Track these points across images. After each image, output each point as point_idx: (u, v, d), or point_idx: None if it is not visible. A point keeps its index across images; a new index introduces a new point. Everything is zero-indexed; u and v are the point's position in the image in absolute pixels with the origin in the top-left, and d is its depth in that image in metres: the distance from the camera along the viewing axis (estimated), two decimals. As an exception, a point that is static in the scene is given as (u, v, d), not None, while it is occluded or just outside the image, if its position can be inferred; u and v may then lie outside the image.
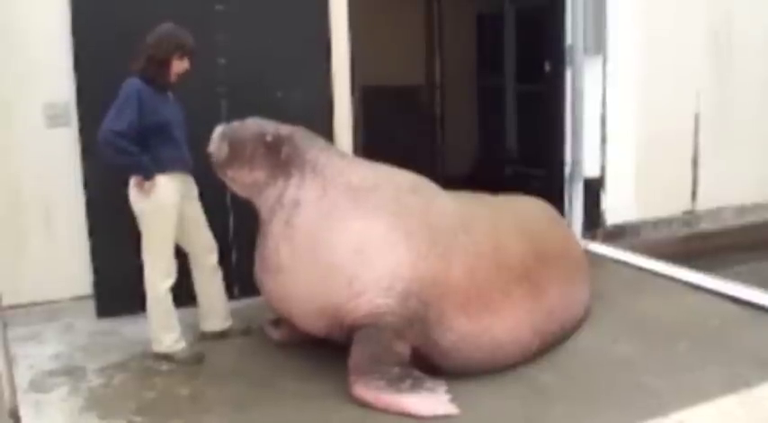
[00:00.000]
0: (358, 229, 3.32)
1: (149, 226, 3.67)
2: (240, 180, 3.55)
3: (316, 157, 3.49)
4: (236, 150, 3.48)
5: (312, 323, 3.46)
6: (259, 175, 3.49)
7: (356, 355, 3.23)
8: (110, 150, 3.51)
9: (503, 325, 3.41)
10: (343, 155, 3.78)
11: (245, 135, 3.50)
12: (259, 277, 3.63)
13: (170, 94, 3.78)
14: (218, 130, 3.55)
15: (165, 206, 3.65)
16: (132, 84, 3.58)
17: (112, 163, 3.60)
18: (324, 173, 3.45)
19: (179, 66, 3.70)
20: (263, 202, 3.54)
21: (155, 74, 3.64)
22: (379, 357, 3.20)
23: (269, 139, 3.47)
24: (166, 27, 3.68)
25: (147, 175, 3.58)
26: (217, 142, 3.50)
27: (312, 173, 3.45)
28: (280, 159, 3.46)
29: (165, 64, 3.65)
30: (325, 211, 3.36)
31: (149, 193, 3.59)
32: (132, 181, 3.64)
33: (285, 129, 3.56)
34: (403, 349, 3.26)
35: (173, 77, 3.71)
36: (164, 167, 3.64)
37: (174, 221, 3.69)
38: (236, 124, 3.57)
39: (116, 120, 3.50)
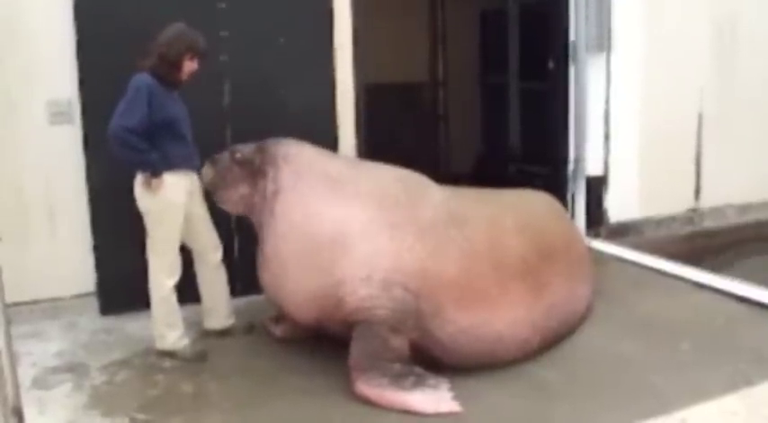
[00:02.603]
0: (337, 217, 3.36)
1: (155, 224, 3.67)
2: (228, 198, 3.76)
3: (286, 150, 3.63)
4: (218, 174, 3.74)
5: (303, 311, 3.48)
6: (243, 189, 3.69)
7: (355, 352, 3.24)
8: (118, 146, 3.50)
9: (501, 319, 3.42)
10: (322, 150, 3.81)
11: (223, 159, 3.75)
12: (258, 275, 3.67)
13: (176, 92, 3.77)
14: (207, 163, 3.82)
15: (172, 204, 3.65)
16: (142, 79, 3.56)
17: (121, 158, 3.59)
18: (297, 160, 3.57)
19: (190, 66, 3.69)
20: (253, 209, 3.68)
21: (166, 73, 3.63)
22: (378, 353, 3.21)
23: (238, 156, 3.68)
24: (178, 27, 3.66)
25: (155, 172, 3.58)
26: (204, 170, 3.79)
27: (284, 162, 3.58)
28: (254, 167, 3.63)
29: (176, 64, 3.64)
30: (301, 196, 3.46)
31: (156, 190, 3.59)
32: (138, 178, 3.64)
33: (255, 144, 3.73)
34: (401, 344, 3.26)
35: (184, 77, 3.70)
36: (171, 165, 3.63)
37: (180, 219, 3.70)
38: (217, 155, 3.82)
39: (126, 116, 3.48)
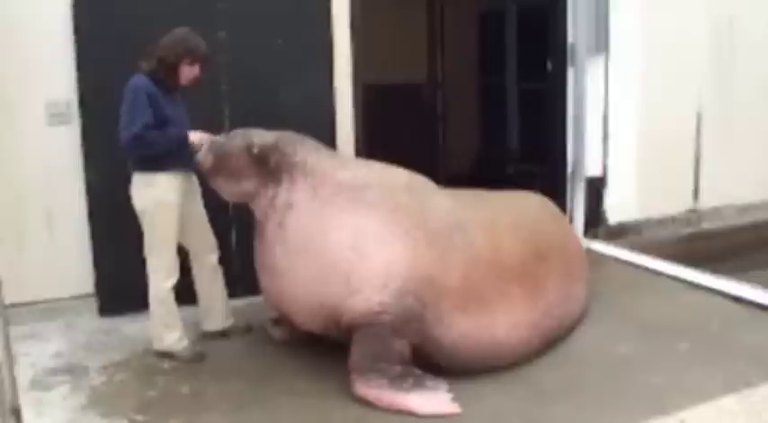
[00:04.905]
0: (353, 227, 3.32)
1: (151, 224, 3.67)
2: (228, 190, 3.60)
3: (304, 158, 3.49)
4: (222, 162, 3.51)
5: (309, 321, 3.47)
6: (247, 185, 3.51)
7: (356, 354, 3.24)
8: (144, 149, 3.54)
9: (502, 322, 3.41)
10: (333, 155, 3.75)
11: (230, 148, 3.52)
12: (258, 276, 3.65)
13: (178, 95, 3.78)
14: (207, 143, 3.59)
15: (168, 204, 3.65)
16: (138, 81, 3.57)
17: (158, 152, 3.58)
18: (314, 173, 3.45)
19: (189, 71, 3.69)
20: (257, 207, 3.57)
21: (164, 76, 3.64)
22: (379, 356, 3.20)
23: (255, 151, 3.47)
24: (181, 32, 3.68)
25: (184, 140, 3.60)
26: (204, 152, 3.54)
27: (302, 174, 3.45)
28: (269, 168, 3.47)
29: (174, 68, 3.64)
30: (317, 211, 3.36)
31: (208, 150, 3.56)
32: (134, 179, 3.65)
33: (270, 136, 3.54)
34: (402, 347, 3.25)
35: (182, 82, 3.70)
36: (165, 166, 3.63)
37: (176, 220, 3.69)
38: (222, 138, 3.63)
39: (133, 122, 3.49)
